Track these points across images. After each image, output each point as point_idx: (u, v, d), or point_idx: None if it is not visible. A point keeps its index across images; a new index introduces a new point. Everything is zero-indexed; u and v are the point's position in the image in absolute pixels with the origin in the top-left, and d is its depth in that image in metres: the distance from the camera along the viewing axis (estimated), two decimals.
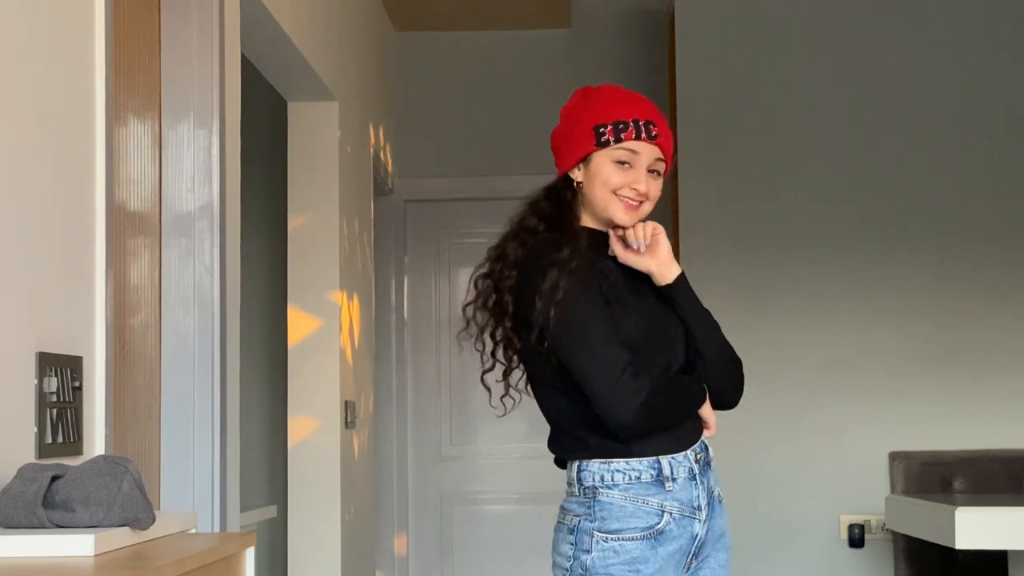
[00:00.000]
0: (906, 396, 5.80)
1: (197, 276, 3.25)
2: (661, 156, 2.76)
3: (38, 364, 2.28)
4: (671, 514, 2.67)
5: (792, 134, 5.92)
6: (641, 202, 2.74)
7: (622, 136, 2.72)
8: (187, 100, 3.27)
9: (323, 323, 4.95)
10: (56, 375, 2.33)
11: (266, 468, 5.20)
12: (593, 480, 2.67)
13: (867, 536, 5.73)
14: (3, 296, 2.20)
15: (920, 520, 4.85)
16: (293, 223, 4.99)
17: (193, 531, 2.26)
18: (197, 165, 3.27)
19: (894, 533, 5.58)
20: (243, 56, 3.94)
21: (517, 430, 6.43)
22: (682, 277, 2.77)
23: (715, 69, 5.95)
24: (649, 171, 2.75)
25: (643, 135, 2.72)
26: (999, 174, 5.88)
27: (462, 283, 6.92)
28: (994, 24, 5.93)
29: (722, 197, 5.85)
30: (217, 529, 3.20)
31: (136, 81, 3.15)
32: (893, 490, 5.69)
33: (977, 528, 4.34)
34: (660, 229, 2.78)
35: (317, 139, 4.97)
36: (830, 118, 5.91)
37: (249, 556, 2.17)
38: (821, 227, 5.87)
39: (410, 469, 6.76)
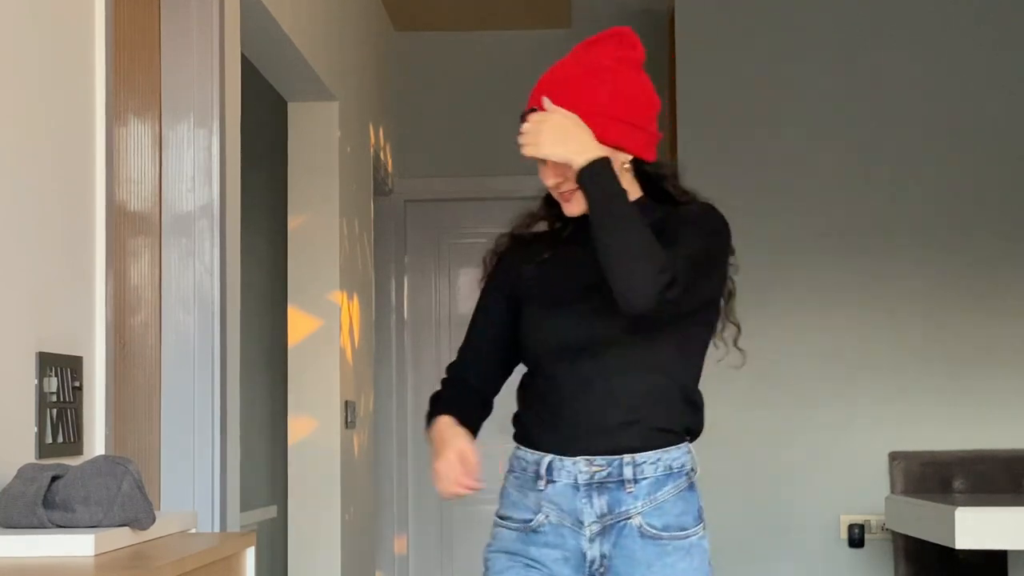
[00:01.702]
0: (906, 396, 5.80)
1: (197, 276, 3.25)
2: None
3: (38, 364, 2.28)
4: (548, 517, 2.53)
5: (792, 134, 5.92)
6: (572, 190, 2.48)
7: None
8: (187, 100, 3.27)
9: (323, 323, 4.95)
10: (56, 375, 2.32)
11: (266, 468, 5.20)
12: (505, 464, 2.64)
13: (867, 536, 5.74)
14: (3, 296, 2.19)
15: (920, 520, 4.85)
16: (293, 223, 4.99)
17: (193, 531, 2.27)
18: (197, 165, 3.27)
19: (894, 533, 5.58)
20: (243, 56, 3.94)
21: None
22: (590, 165, 2.42)
23: (715, 69, 5.95)
24: None
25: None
26: (1000, 174, 5.88)
27: (462, 283, 6.94)
28: (995, 25, 5.93)
29: (722, 196, 5.80)
30: (217, 529, 3.20)
31: (136, 81, 3.15)
32: (893, 490, 5.69)
33: (977, 528, 4.34)
34: (537, 117, 2.48)
35: (317, 139, 4.97)
36: (830, 117, 5.91)
37: (249, 556, 2.17)
38: (821, 227, 5.87)
39: (410, 469, 6.76)
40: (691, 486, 2.55)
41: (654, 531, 2.49)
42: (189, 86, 3.27)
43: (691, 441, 2.58)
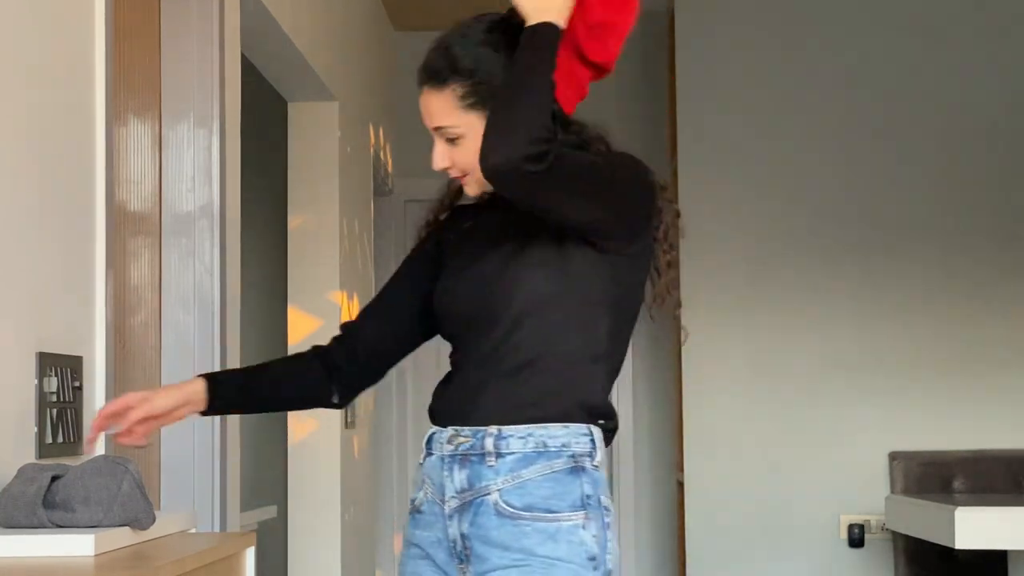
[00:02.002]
0: (906, 396, 5.80)
1: (197, 276, 3.25)
2: (431, 115, 2.36)
3: (38, 364, 2.28)
4: (426, 493, 2.32)
5: (792, 134, 5.91)
6: (461, 175, 2.39)
7: None
8: (187, 100, 3.27)
9: (323, 323, 4.94)
10: (56, 375, 2.33)
11: (266, 468, 5.20)
12: None
13: (867, 536, 5.74)
14: (3, 296, 2.20)
15: (920, 520, 4.85)
16: (293, 223, 4.99)
17: (193, 531, 2.27)
18: (197, 165, 3.27)
19: (894, 533, 5.58)
20: (243, 56, 3.94)
21: None
22: (542, 26, 2.24)
23: (715, 69, 5.95)
24: (444, 136, 2.36)
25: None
26: (1000, 173, 5.88)
27: None
28: (995, 23, 5.93)
29: (722, 197, 5.85)
30: (217, 529, 3.21)
31: (136, 81, 3.15)
32: (893, 490, 5.69)
33: (977, 528, 4.34)
34: None
35: (317, 139, 4.97)
36: (830, 118, 5.91)
37: (249, 556, 2.17)
38: (821, 227, 5.87)
39: (410, 469, 6.75)
40: (573, 470, 2.23)
41: (511, 510, 2.21)
42: (189, 86, 3.28)
43: (601, 425, 2.29)
